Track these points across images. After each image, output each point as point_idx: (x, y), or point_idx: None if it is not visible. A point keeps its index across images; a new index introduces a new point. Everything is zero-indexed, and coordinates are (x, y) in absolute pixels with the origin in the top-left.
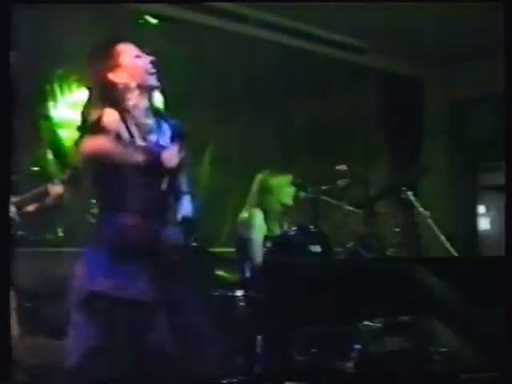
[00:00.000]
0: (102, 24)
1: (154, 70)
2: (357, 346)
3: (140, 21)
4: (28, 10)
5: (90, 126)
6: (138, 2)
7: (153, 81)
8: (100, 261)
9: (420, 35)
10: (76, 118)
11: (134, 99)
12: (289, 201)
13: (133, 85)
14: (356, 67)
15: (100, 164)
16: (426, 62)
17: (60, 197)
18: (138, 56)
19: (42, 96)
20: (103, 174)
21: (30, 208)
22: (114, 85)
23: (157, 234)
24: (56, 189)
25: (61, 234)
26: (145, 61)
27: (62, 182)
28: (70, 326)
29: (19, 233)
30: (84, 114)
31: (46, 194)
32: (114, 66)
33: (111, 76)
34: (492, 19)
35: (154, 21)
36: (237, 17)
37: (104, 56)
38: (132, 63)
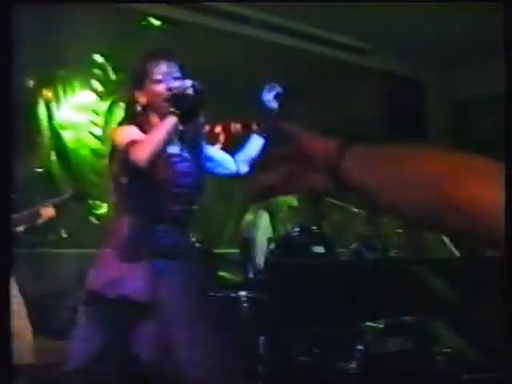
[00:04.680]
0: (103, 25)
1: (170, 96)
2: (359, 347)
3: (143, 22)
4: (29, 10)
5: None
6: (139, 2)
7: (166, 107)
8: (105, 261)
9: (421, 36)
10: (79, 119)
11: (154, 121)
12: (293, 201)
13: (151, 107)
14: (358, 68)
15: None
16: (427, 63)
17: (50, 219)
18: (159, 80)
19: (46, 98)
20: (130, 176)
21: (20, 228)
22: (136, 103)
23: (169, 239)
24: (47, 211)
25: (64, 236)
26: (164, 86)
27: (54, 206)
28: (75, 329)
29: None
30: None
31: (38, 215)
32: (140, 85)
33: (136, 94)
34: (492, 19)
35: (156, 22)
36: (237, 18)
37: (135, 73)
38: (151, 87)
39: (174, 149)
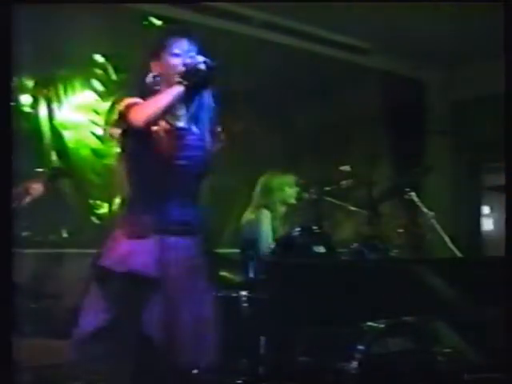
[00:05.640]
0: (104, 24)
1: (182, 69)
2: (359, 347)
3: (144, 22)
4: (29, 10)
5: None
6: (139, 2)
7: (176, 80)
8: (115, 239)
9: (421, 36)
10: (79, 119)
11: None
12: (291, 200)
13: (162, 78)
14: (358, 68)
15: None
16: (428, 63)
17: (40, 195)
18: (177, 54)
19: (46, 97)
20: (137, 155)
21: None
22: (148, 73)
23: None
24: (35, 187)
25: (65, 235)
26: (181, 60)
27: (43, 181)
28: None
29: (23, 234)
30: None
31: (27, 193)
32: (157, 56)
33: (151, 64)
34: (492, 19)
35: (157, 22)
36: (239, 18)
37: (155, 44)
38: (168, 59)
39: (181, 123)
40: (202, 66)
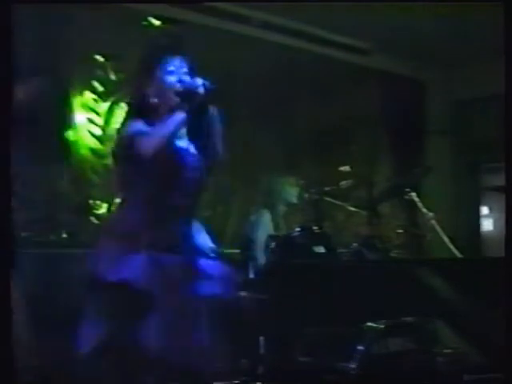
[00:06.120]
0: (104, 24)
1: (181, 91)
2: (359, 347)
3: (143, 22)
4: (29, 10)
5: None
6: (139, 2)
7: (175, 100)
8: (106, 246)
9: (421, 36)
10: (79, 119)
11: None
12: (292, 200)
13: (159, 98)
14: (358, 68)
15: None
16: (427, 63)
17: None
18: (171, 72)
19: (45, 97)
20: (136, 165)
21: None
22: (144, 93)
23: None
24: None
25: (64, 236)
26: (176, 78)
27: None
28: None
29: (23, 234)
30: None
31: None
32: (150, 74)
33: (145, 83)
34: (492, 19)
35: (156, 22)
36: (239, 18)
37: (147, 62)
38: (162, 78)
39: (181, 143)
40: (201, 89)
